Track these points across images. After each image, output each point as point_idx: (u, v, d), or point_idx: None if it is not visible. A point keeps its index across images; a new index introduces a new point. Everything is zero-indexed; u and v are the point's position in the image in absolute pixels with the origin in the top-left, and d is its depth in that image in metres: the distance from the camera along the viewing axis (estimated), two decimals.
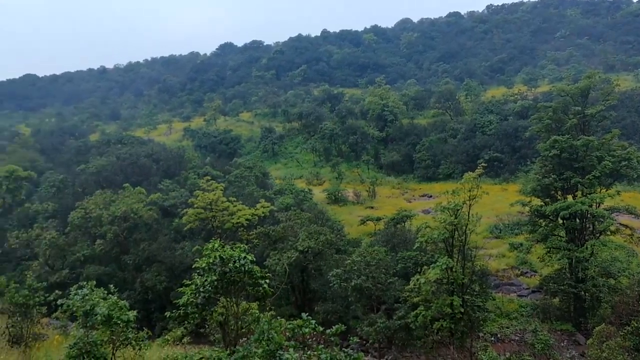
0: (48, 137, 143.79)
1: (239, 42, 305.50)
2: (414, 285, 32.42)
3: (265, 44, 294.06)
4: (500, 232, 60.66)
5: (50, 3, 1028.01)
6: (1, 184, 75.04)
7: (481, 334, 37.86)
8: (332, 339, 10.62)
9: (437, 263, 31.34)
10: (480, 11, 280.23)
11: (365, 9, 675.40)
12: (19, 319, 19.38)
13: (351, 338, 13.15)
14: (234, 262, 11.34)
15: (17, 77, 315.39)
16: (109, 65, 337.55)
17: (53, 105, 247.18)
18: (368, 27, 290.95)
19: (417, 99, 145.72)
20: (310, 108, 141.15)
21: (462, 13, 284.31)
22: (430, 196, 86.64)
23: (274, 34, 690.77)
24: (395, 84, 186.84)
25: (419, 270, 34.73)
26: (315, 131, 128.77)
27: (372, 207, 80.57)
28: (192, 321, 12.69)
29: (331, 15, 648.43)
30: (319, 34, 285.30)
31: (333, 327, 10.85)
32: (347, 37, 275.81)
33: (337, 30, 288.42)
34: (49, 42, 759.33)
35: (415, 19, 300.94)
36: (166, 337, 13.32)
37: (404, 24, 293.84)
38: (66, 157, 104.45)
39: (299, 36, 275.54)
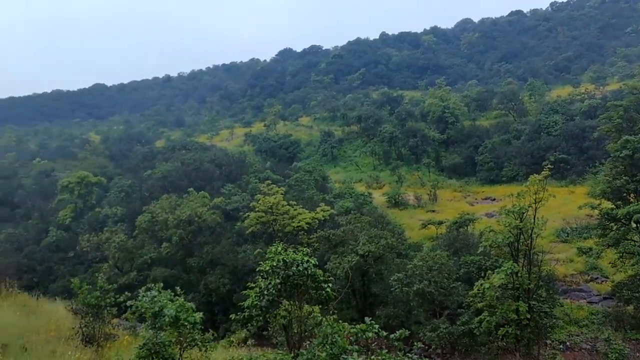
0: (116, 144, 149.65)
1: (298, 48, 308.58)
2: (478, 290, 31.64)
3: (323, 48, 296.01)
4: (567, 236, 58.45)
5: (118, 17, 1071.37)
6: (73, 190, 78.54)
7: (549, 342, 36.51)
8: (396, 343, 10.51)
9: (502, 268, 30.48)
10: (543, 9, 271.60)
11: (424, 11, 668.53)
12: (91, 319, 20.07)
13: (415, 343, 12.97)
14: (297, 265, 11.42)
15: (87, 86, 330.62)
16: (173, 73, 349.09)
17: (121, 113, 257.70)
18: (427, 28, 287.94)
19: (479, 100, 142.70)
20: (370, 111, 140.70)
21: (525, 11, 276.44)
22: (494, 199, 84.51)
23: (333, 39, 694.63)
24: (456, 85, 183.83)
25: (482, 275, 33.91)
26: (375, 134, 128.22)
27: (433, 211, 79.40)
28: (255, 324, 12.84)
29: (390, 18, 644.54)
30: (377, 37, 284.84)
31: (397, 331, 10.74)
32: (406, 39, 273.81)
33: (396, 33, 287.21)
34: (116, 53, 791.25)
35: (475, 19, 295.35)
36: (231, 338, 13.54)
37: (464, 25, 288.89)
38: (133, 163, 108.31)
39: (358, 40, 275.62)
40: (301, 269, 11.44)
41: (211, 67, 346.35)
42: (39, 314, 23.48)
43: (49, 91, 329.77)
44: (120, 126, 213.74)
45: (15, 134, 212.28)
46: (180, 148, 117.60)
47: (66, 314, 22.75)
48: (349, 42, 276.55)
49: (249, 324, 13.40)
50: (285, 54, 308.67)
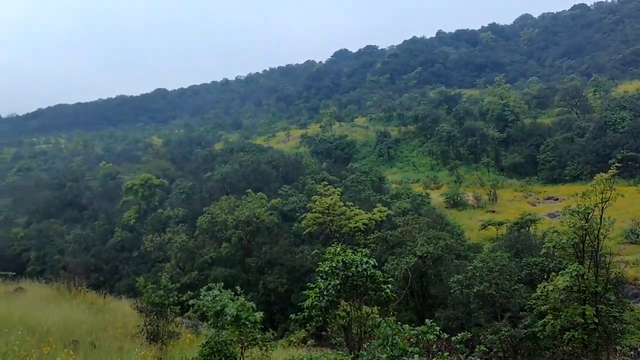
0: (177, 147, 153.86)
1: (354, 48, 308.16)
2: (541, 292, 30.63)
3: (379, 48, 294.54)
4: (637, 237, 55.87)
5: (177, 23, 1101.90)
6: (137, 191, 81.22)
7: (619, 347, 34.97)
8: (458, 346, 10.32)
9: (567, 270, 29.37)
10: (609, 1, 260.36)
11: (482, 8, 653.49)
12: (155, 317, 20.68)
13: (477, 347, 12.70)
14: (357, 266, 11.40)
15: (149, 91, 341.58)
16: (231, 77, 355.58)
17: (181, 117, 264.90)
18: (485, 25, 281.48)
19: (540, 97, 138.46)
20: (426, 110, 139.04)
21: (589, 5, 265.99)
22: (556, 199, 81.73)
23: (388, 39, 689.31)
24: (516, 82, 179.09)
25: (546, 277, 32.80)
26: (432, 134, 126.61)
27: (493, 211, 77.62)
28: (315, 324, 12.90)
29: (446, 16, 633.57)
30: (434, 35, 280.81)
31: (458, 334, 10.55)
32: (463, 37, 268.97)
33: (453, 31, 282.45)
34: (177, 58, 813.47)
35: (535, 15, 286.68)
36: (290, 338, 13.66)
37: (524, 20, 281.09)
38: (194, 165, 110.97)
39: (414, 39, 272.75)
40: (360, 270, 11.40)
41: (267, 69, 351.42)
42: (106, 312, 24.40)
43: (114, 97, 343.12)
44: (181, 129, 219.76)
45: (82, 139, 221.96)
46: (238, 150, 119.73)
47: (131, 311, 23.53)
48: (404, 41, 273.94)
49: (308, 324, 13.48)
50: (341, 55, 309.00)
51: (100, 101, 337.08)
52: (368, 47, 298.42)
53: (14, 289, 28.61)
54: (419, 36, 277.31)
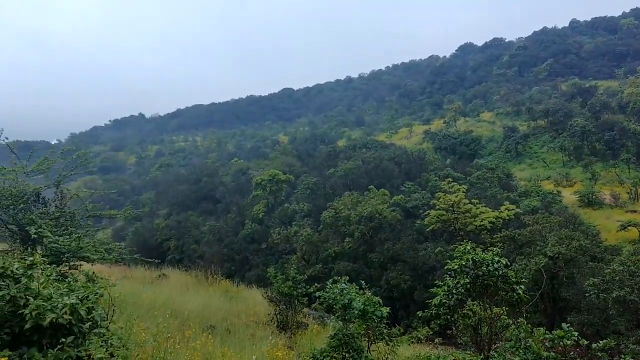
0: (303, 144, 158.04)
1: (479, 42, 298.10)
2: None
3: (506, 40, 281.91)
4: None
5: (302, 25, 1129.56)
6: (265, 186, 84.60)
7: None
8: (600, 354, 9.75)
9: None
10: None
11: None
12: (284, 307, 21.59)
13: (622, 357, 11.83)
14: (487, 265, 11.15)
15: (276, 91, 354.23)
16: (354, 75, 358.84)
17: (306, 115, 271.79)
18: (627, 11, 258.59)
19: None
20: (558, 104, 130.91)
21: None
22: None
23: (516, 30, 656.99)
24: None
25: None
26: (564, 129, 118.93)
27: (634, 211, 71.49)
28: (441, 322, 12.80)
29: (580, 4, 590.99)
30: (566, 25, 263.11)
31: (600, 341, 9.96)
32: (600, 25, 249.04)
33: (588, 19, 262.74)
34: (303, 58, 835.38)
35: None
36: (418, 335, 13.65)
37: None
38: (318, 162, 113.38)
39: (544, 29, 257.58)
40: (491, 269, 11.14)
41: (390, 66, 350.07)
42: (238, 300, 25.85)
43: (244, 97, 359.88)
44: (306, 127, 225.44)
45: (216, 137, 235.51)
46: (360, 147, 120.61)
47: (262, 300, 24.73)
48: (534, 32, 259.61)
49: (432, 322, 13.40)
50: (466, 49, 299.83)
51: (232, 101, 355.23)
52: (494, 39, 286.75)
53: (157, 275, 31.22)
54: (549, 26, 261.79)
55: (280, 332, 19.70)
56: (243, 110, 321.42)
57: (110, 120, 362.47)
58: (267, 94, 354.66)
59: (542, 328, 10.42)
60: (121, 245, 19.92)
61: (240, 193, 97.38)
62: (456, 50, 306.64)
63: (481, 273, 11.30)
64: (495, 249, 12.04)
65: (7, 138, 18.06)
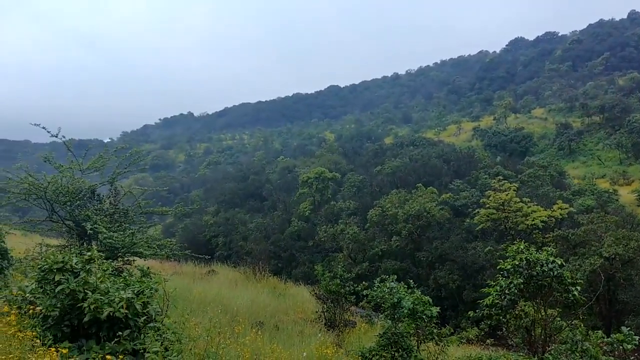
0: (349, 142, 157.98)
1: (530, 36, 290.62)
2: None
3: (559, 34, 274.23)
4: None
5: (349, 21, 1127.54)
6: (312, 184, 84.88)
7: None
8: None
9: None
10: None
11: None
12: (331, 305, 21.60)
13: None
14: (541, 265, 10.84)
15: (322, 89, 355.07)
16: (401, 71, 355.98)
17: (352, 113, 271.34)
18: None
19: None
20: (615, 99, 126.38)
21: None
22: None
23: (569, 24, 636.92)
24: None
25: None
26: (621, 125, 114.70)
27: None
28: (493, 322, 12.55)
29: None
30: (625, 17, 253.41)
31: None
32: None
33: None
34: (350, 55, 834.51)
35: None
36: (469, 335, 13.41)
37: None
38: (364, 160, 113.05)
39: (600, 22, 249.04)
40: (546, 270, 10.82)
41: (438, 62, 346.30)
42: (286, 297, 26.01)
43: (290, 95, 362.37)
44: (352, 125, 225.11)
45: (262, 135, 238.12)
46: (408, 144, 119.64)
47: (309, 298, 24.81)
48: (589, 25, 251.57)
49: (482, 322, 13.14)
50: (516, 44, 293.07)
51: (278, 99, 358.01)
52: (547, 33, 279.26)
53: (207, 271, 31.79)
54: (606, 19, 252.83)
55: (328, 330, 19.71)
56: (289, 108, 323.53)
57: (160, 119, 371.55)
58: (313, 92, 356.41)
59: (599, 331, 10.06)
60: (172, 241, 20.33)
61: (287, 191, 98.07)
62: (506, 45, 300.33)
63: (535, 273, 10.98)
64: (549, 248, 11.69)
65: (64, 136, 18.66)
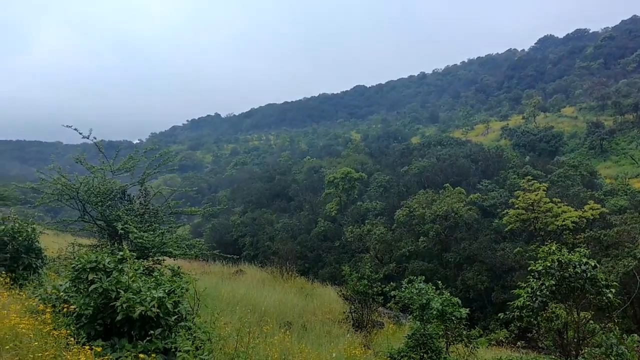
0: (375, 142, 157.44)
1: (560, 34, 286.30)
2: None
3: (590, 31, 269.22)
4: None
5: (374, 20, 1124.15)
6: (338, 184, 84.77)
7: None
8: None
9: None
10: None
11: None
12: (359, 305, 21.58)
13: None
14: (574, 267, 10.63)
15: (348, 89, 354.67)
16: (428, 70, 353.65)
17: (379, 112, 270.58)
18: None
19: None
20: None
21: None
22: None
23: (600, 21, 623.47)
24: None
25: None
26: None
27: None
28: (523, 324, 12.37)
29: None
30: None
31: None
32: None
33: None
34: (375, 55, 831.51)
35: None
36: (499, 337, 13.27)
37: None
38: (391, 160, 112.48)
39: (634, 18, 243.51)
40: (579, 271, 10.61)
41: (466, 61, 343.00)
42: (313, 297, 26.06)
43: (316, 95, 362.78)
44: (379, 125, 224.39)
45: (288, 135, 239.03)
46: (435, 144, 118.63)
47: (336, 298, 24.84)
48: (622, 21, 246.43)
49: (512, 324, 12.96)
50: (546, 41, 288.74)
51: (304, 99, 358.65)
52: (577, 31, 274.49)
53: (234, 271, 32.05)
54: None
55: (356, 331, 19.70)
56: (315, 108, 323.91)
57: (187, 120, 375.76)
58: (339, 92, 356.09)
59: (634, 335, 9.83)
60: (201, 241, 20.55)
61: (313, 191, 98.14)
62: (535, 43, 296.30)
63: (567, 275, 10.78)
64: (582, 249, 11.46)
65: (95, 138, 18.99)
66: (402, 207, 61.15)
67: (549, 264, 10.99)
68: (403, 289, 15.58)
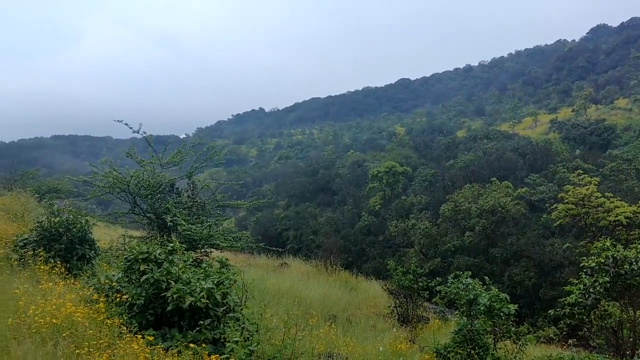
0: (420, 135, 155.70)
1: (614, 23, 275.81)
2: None
3: None
4: None
5: (419, 12, 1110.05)
6: (382, 179, 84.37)
7: None
8: None
9: None
10: None
11: None
12: (404, 300, 21.46)
13: None
14: (630, 263, 10.25)
15: (392, 82, 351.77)
16: (474, 62, 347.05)
17: (423, 106, 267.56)
18: None
19: None
20: None
21: None
22: None
23: None
24: None
25: None
26: None
27: None
28: (574, 322, 12.05)
29: None
30: None
31: None
32: None
33: None
34: (420, 47, 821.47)
35: None
36: (547, 334, 12.95)
37: None
38: (436, 154, 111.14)
39: None
40: (635, 268, 10.23)
41: (513, 52, 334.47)
42: (358, 291, 26.06)
43: (360, 89, 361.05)
44: (423, 118, 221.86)
45: (332, 129, 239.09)
46: (481, 137, 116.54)
47: (381, 292, 24.74)
48: None
49: (561, 322, 12.63)
50: (598, 31, 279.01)
51: (348, 93, 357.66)
52: (633, 19, 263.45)
53: (279, 264, 32.33)
54: None
55: (401, 325, 19.60)
56: (359, 102, 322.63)
57: (232, 115, 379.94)
58: (383, 85, 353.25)
59: None
60: (247, 234, 20.82)
61: (357, 185, 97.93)
62: (587, 33, 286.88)
63: (623, 272, 10.41)
64: (638, 245, 11.05)
65: (144, 132, 19.45)
66: (447, 202, 60.39)
67: (603, 260, 10.64)
68: (449, 284, 15.40)
